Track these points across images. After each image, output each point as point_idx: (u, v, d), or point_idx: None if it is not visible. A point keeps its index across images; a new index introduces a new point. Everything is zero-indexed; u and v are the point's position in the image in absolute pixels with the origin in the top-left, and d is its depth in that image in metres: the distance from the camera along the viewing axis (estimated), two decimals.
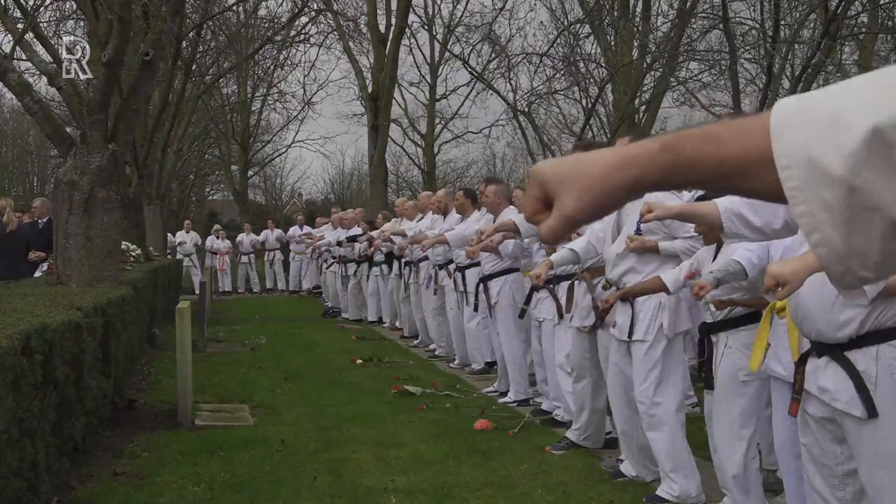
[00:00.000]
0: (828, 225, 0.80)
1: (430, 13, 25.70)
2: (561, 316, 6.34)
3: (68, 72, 7.87)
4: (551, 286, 6.54)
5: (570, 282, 6.11)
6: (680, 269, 4.43)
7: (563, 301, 6.27)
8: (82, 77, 7.91)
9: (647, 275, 4.77)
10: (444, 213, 10.06)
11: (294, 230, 21.80)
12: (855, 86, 0.81)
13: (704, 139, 0.89)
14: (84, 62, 7.85)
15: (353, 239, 14.06)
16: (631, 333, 4.86)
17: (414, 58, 27.03)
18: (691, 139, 0.90)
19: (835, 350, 3.09)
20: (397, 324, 13.01)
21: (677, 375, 4.87)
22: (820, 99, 0.82)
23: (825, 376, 3.11)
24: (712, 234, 4.11)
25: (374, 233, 12.45)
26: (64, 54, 8.10)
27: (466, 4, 24.55)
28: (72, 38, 9.16)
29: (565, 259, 5.70)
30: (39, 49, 9.47)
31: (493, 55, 22.70)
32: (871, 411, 2.96)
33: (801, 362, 3.24)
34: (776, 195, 0.84)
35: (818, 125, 0.80)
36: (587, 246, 5.57)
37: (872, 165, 0.77)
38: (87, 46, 8.09)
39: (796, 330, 3.47)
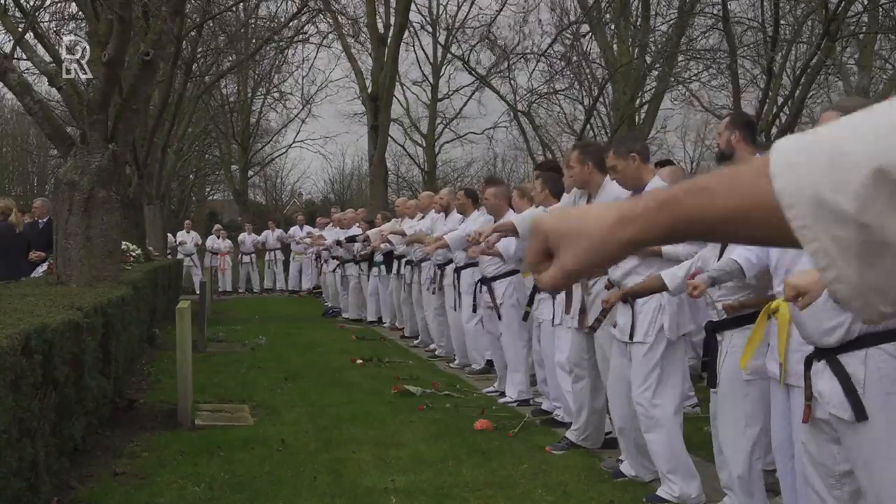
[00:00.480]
0: (842, 261, 0.80)
1: (434, 14, 25.75)
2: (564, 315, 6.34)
3: (68, 72, 7.87)
4: None
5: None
6: (680, 268, 4.42)
7: (562, 301, 6.27)
8: (82, 77, 7.91)
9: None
10: (447, 212, 10.07)
11: (294, 230, 21.81)
12: (853, 123, 0.81)
13: (696, 194, 0.90)
14: (84, 62, 7.85)
15: (351, 240, 14.09)
16: (632, 335, 4.87)
17: (416, 56, 27.08)
18: (684, 195, 0.91)
19: (828, 353, 3.13)
20: (397, 324, 13.02)
21: (677, 378, 4.87)
22: (818, 138, 0.83)
23: (822, 380, 3.16)
24: None
25: (373, 231, 12.46)
26: (64, 54, 8.10)
27: (470, 7, 24.52)
28: (72, 38, 9.17)
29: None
30: (39, 49, 9.47)
31: (494, 57, 22.71)
32: (860, 415, 2.99)
33: (807, 366, 3.27)
34: (779, 240, 0.84)
35: (820, 163, 0.80)
36: None
37: (880, 203, 0.77)
38: (87, 46, 8.09)
39: (785, 332, 3.51)
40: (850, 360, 3.06)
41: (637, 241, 0.95)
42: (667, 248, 4.79)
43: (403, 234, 10.79)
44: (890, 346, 3.01)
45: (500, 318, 7.83)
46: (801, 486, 3.49)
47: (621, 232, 0.95)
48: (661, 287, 4.46)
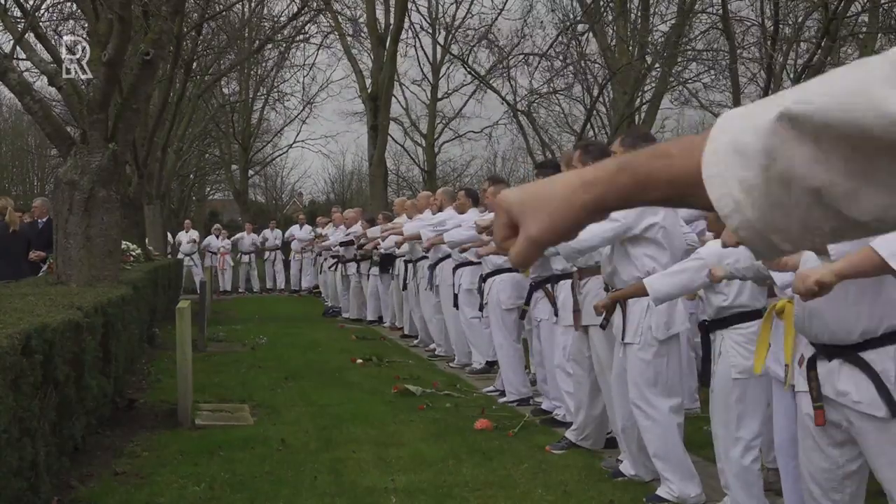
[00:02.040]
0: (747, 206, 0.82)
1: (433, 14, 25.74)
2: (557, 315, 6.36)
3: (68, 72, 7.87)
4: (548, 286, 6.56)
5: (570, 281, 6.12)
6: (663, 275, 4.38)
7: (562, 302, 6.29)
8: (82, 77, 7.90)
9: (629, 277, 4.78)
10: (441, 211, 10.12)
11: (294, 230, 21.81)
12: (779, 92, 0.85)
13: (656, 157, 0.91)
14: (84, 62, 7.85)
15: (349, 243, 14.19)
16: (624, 336, 4.88)
17: (417, 56, 27.08)
18: (645, 158, 0.92)
19: (848, 352, 3.07)
20: (397, 323, 13.02)
21: (673, 377, 4.86)
22: (754, 105, 0.86)
23: (842, 379, 3.09)
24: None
25: (372, 231, 12.50)
26: (64, 54, 8.11)
27: (470, 6, 24.54)
28: (72, 38, 9.17)
29: None
30: (39, 49, 9.46)
31: (493, 57, 22.71)
32: (895, 411, 2.96)
33: (810, 367, 3.22)
34: None
35: (743, 117, 0.84)
36: None
37: (783, 138, 0.80)
38: (87, 46, 8.09)
39: (792, 332, 3.48)
40: (876, 357, 3.01)
41: (599, 203, 0.94)
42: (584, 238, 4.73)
43: (401, 234, 10.80)
44: None
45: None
46: (803, 489, 3.47)
47: (583, 194, 0.94)
48: (645, 293, 4.45)
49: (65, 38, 9.43)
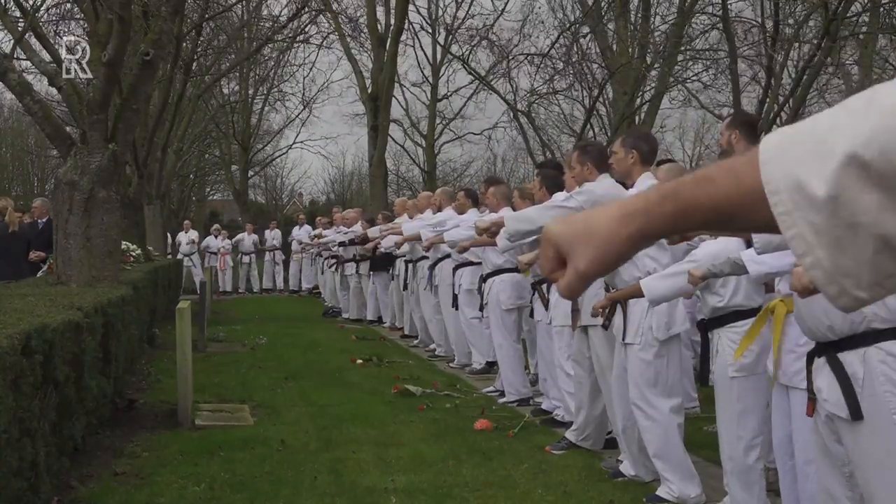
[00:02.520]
0: (817, 247, 0.82)
1: (433, 14, 25.74)
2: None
3: (68, 72, 7.87)
4: (542, 286, 6.56)
5: None
6: (659, 277, 4.40)
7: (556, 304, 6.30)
8: (82, 77, 7.90)
9: (630, 277, 4.79)
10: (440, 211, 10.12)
11: (295, 231, 21.82)
12: (836, 112, 0.84)
13: (698, 183, 0.92)
14: (84, 62, 7.85)
15: (351, 243, 14.20)
16: (624, 336, 4.88)
17: (416, 58, 27.08)
18: (689, 185, 0.93)
19: (829, 350, 3.10)
20: (397, 323, 13.03)
21: (673, 377, 4.87)
22: (804, 128, 0.85)
23: (821, 377, 3.13)
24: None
25: (372, 231, 12.52)
26: (64, 54, 8.10)
27: (469, 6, 24.51)
28: (72, 38, 9.17)
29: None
30: (39, 49, 9.46)
31: (494, 57, 22.70)
32: (856, 414, 2.95)
33: (808, 361, 3.25)
34: (768, 227, 0.86)
35: (803, 151, 0.83)
36: None
37: (851, 185, 0.79)
38: (87, 46, 8.09)
39: (779, 331, 3.50)
40: (850, 359, 3.02)
41: (643, 233, 0.96)
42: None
43: (400, 233, 10.81)
44: (890, 345, 2.97)
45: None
46: (815, 489, 3.44)
47: (627, 227, 0.96)
48: (641, 294, 4.46)
49: (65, 38, 9.44)
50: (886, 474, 2.90)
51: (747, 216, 0.88)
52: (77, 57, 7.89)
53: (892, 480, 2.89)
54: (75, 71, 7.84)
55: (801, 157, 0.83)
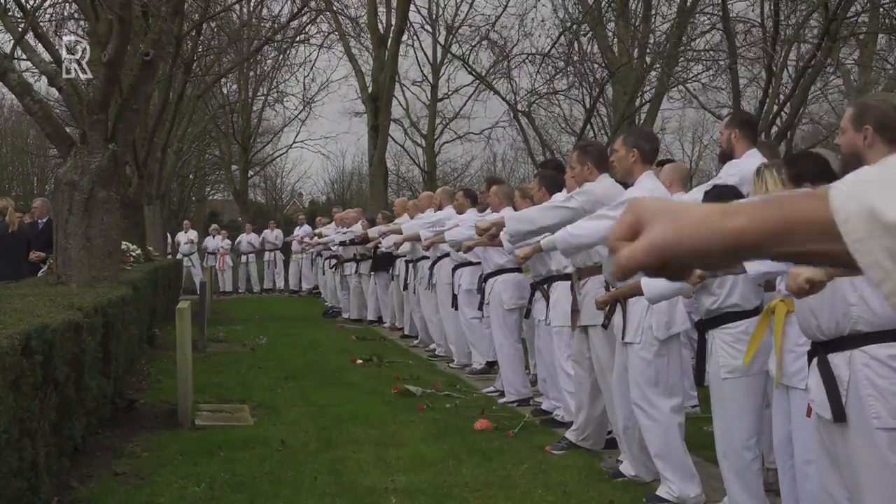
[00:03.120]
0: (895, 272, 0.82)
1: (434, 14, 25.74)
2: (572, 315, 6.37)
3: (68, 72, 7.87)
4: (544, 286, 6.56)
5: (563, 282, 6.14)
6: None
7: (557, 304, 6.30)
8: (82, 77, 7.91)
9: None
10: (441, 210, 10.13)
11: (295, 231, 21.83)
12: None
13: (805, 198, 0.89)
14: (84, 62, 7.86)
15: (351, 242, 14.21)
16: (624, 335, 4.88)
17: (416, 57, 27.07)
18: (797, 198, 0.90)
19: (820, 350, 3.11)
20: (397, 323, 13.03)
21: (674, 376, 4.86)
22: (871, 168, 0.86)
23: (812, 377, 3.15)
24: None
25: (372, 231, 12.53)
26: (64, 54, 8.11)
27: (470, 6, 24.49)
28: (72, 38, 9.18)
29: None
30: (39, 49, 9.46)
31: (494, 57, 22.69)
32: (838, 415, 2.96)
33: (809, 361, 3.25)
34: (834, 256, 0.86)
35: (874, 182, 0.84)
36: None
37: None
38: (87, 46, 8.10)
39: (780, 331, 3.51)
40: (837, 360, 3.03)
41: (736, 232, 0.90)
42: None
43: (400, 232, 10.81)
44: (875, 349, 2.96)
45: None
46: (815, 489, 3.44)
47: (720, 220, 0.91)
48: (641, 292, 4.45)
49: (65, 38, 9.43)
50: (871, 476, 2.90)
51: (811, 244, 0.87)
52: (77, 57, 7.90)
53: (877, 483, 2.88)
54: (75, 71, 7.85)
55: (874, 187, 0.83)
